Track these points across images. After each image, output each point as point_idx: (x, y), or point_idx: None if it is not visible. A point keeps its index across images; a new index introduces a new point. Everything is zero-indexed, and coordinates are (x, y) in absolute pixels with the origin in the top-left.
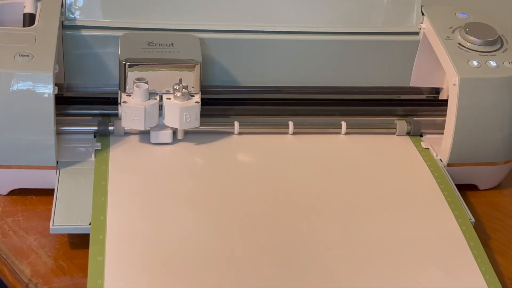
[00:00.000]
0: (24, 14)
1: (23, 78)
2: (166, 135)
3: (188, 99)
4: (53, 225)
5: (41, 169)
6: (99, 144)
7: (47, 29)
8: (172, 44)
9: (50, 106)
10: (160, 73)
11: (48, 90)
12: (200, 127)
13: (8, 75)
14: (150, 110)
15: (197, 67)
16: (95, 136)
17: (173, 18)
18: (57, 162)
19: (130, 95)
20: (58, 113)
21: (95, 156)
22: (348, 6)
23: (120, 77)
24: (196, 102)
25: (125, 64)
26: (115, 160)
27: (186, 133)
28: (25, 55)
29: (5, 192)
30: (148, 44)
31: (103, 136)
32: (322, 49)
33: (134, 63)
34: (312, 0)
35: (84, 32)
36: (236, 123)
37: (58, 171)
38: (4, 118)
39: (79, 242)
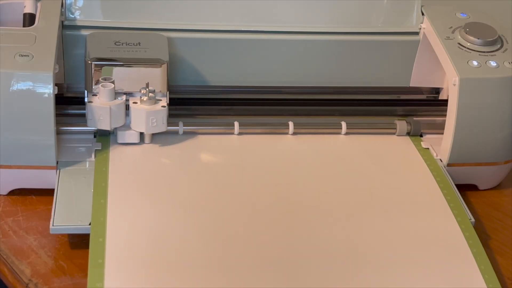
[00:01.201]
0: (24, 14)
1: (23, 78)
2: (133, 135)
3: (155, 103)
4: (53, 225)
5: (41, 169)
6: (99, 144)
7: (47, 29)
8: (139, 43)
9: (50, 106)
10: (126, 72)
11: (48, 90)
12: (201, 128)
13: (8, 75)
14: (116, 110)
15: (164, 66)
16: (95, 136)
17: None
18: (57, 162)
19: (96, 95)
20: (58, 113)
21: (95, 156)
22: (348, 6)
23: (86, 76)
24: (162, 106)
25: (91, 64)
26: (115, 161)
27: (186, 133)
28: (25, 55)
29: (5, 192)
30: (115, 43)
31: (103, 136)
32: (322, 49)
33: (100, 63)
34: (312, 0)
35: (84, 32)
36: (236, 123)
37: (58, 171)
38: (4, 118)
39: (79, 242)
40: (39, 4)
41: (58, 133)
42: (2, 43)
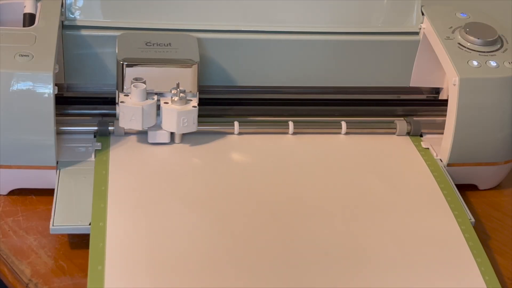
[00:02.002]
0: (24, 14)
1: (23, 78)
2: (164, 135)
3: (186, 103)
4: (53, 225)
5: (41, 169)
6: (99, 144)
7: (47, 29)
8: (169, 44)
9: (50, 106)
10: (158, 73)
11: (48, 90)
12: (200, 128)
13: (8, 75)
14: (147, 110)
15: (194, 67)
16: (95, 136)
17: (171, 18)
18: (57, 162)
19: (127, 95)
20: (58, 113)
21: (95, 156)
22: (348, 6)
23: (117, 77)
24: (193, 106)
25: (122, 64)
26: (115, 161)
27: (186, 133)
28: (25, 55)
29: (5, 192)
30: (146, 44)
31: (103, 136)
32: (322, 49)
33: (132, 63)
34: (312, 0)
35: (84, 32)
36: (236, 123)
37: (58, 171)
38: (4, 118)
39: (79, 242)
40: (39, 4)
41: (58, 133)
42: (2, 43)
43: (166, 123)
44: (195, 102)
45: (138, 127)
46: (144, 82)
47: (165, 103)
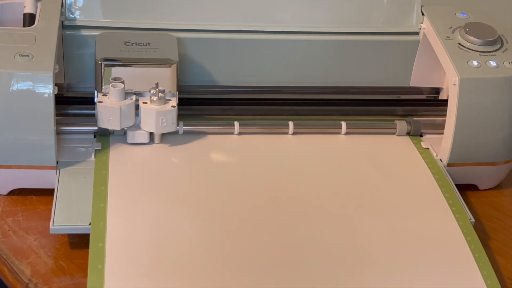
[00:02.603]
0: (24, 14)
1: (23, 78)
2: (143, 135)
3: (165, 103)
4: (53, 225)
5: (41, 169)
6: (99, 144)
7: (47, 29)
8: (149, 43)
9: (50, 106)
10: (136, 72)
11: (48, 90)
12: (201, 128)
13: (8, 75)
14: (126, 110)
15: (174, 66)
16: (95, 136)
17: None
18: (57, 162)
19: (106, 95)
20: (58, 113)
21: (95, 156)
22: (348, 6)
23: (96, 76)
24: (172, 106)
25: (101, 64)
26: (115, 161)
27: (186, 133)
28: (25, 55)
29: (5, 192)
30: (125, 43)
31: (103, 136)
32: (322, 49)
33: (110, 63)
34: (312, 0)
35: (84, 32)
36: (236, 123)
37: (58, 171)
38: (4, 118)
39: (79, 242)
40: (39, 4)
41: (58, 133)
42: (2, 43)
43: (145, 123)
44: (174, 102)
45: (116, 127)
46: (123, 82)
47: (144, 103)
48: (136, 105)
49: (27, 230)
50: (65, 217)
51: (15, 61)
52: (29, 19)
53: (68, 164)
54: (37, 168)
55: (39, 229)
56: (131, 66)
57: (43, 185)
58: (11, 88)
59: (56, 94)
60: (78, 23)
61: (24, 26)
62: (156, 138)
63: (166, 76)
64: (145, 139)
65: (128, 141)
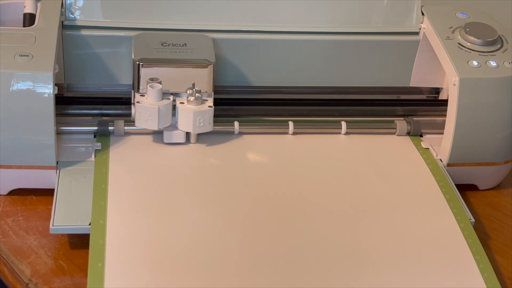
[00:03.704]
0: (24, 14)
1: (23, 78)
2: (180, 135)
3: (201, 103)
4: (53, 225)
5: (41, 169)
6: (99, 144)
7: (47, 29)
8: (185, 44)
9: (50, 106)
10: (173, 73)
11: (48, 90)
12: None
13: (8, 75)
14: (164, 110)
15: (210, 67)
16: (95, 136)
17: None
18: (57, 162)
19: (143, 95)
20: (58, 113)
21: (95, 156)
22: (348, 6)
23: (133, 77)
24: (209, 106)
25: (139, 64)
26: (115, 161)
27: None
28: (25, 55)
29: (5, 192)
30: (162, 44)
31: (103, 136)
32: (322, 49)
33: (148, 63)
34: (312, 0)
35: (84, 32)
36: (236, 123)
37: (58, 171)
38: (4, 118)
39: (79, 242)
40: (39, 4)
41: (58, 133)
42: (2, 43)
43: (182, 123)
44: (210, 102)
45: (154, 127)
46: (160, 82)
47: (181, 103)
48: (173, 105)
49: (27, 230)
50: (65, 217)
51: (15, 61)
52: (29, 19)
53: (68, 164)
54: (37, 168)
55: (39, 229)
56: (168, 67)
57: (43, 185)
58: (11, 88)
59: (56, 94)
60: (78, 23)
61: (24, 26)
62: (192, 138)
63: (202, 77)
64: (182, 139)
65: (165, 141)
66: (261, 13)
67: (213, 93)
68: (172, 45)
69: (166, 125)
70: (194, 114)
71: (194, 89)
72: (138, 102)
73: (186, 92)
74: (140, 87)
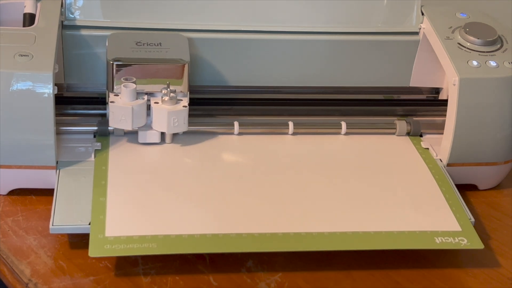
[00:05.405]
0: (24, 14)
1: (23, 78)
2: (154, 135)
3: (176, 103)
4: (53, 225)
5: (41, 169)
6: (99, 144)
7: (47, 29)
8: (160, 43)
9: (50, 106)
10: (148, 72)
11: (48, 90)
12: (201, 127)
13: (8, 75)
14: (138, 110)
15: (185, 66)
16: (95, 136)
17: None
18: (57, 162)
19: (117, 95)
20: (58, 113)
21: (95, 156)
22: (348, 6)
23: (108, 76)
24: (184, 106)
25: (112, 64)
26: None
27: (187, 132)
28: (25, 55)
29: (5, 192)
30: (136, 43)
31: (103, 136)
32: (322, 49)
33: (122, 63)
34: (312, 0)
35: (84, 32)
36: (236, 123)
37: (58, 171)
38: (4, 118)
39: (79, 242)
40: (39, 4)
41: (58, 133)
42: (2, 43)
43: (156, 123)
44: (185, 101)
45: (128, 127)
46: (134, 82)
47: (155, 103)
48: (147, 105)
49: (27, 230)
50: (65, 217)
51: (15, 61)
52: (29, 19)
53: (68, 164)
54: (37, 168)
55: (39, 229)
56: (142, 66)
57: (43, 185)
58: (11, 88)
59: (56, 94)
60: (78, 23)
61: (24, 26)
62: (167, 138)
63: (177, 76)
64: (157, 139)
65: (140, 141)
66: (261, 13)
67: (188, 92)
68: (147, 45)
69: (140, 125)
70: (168, 114)
71: (168, 89)
72: (112, 102)
73: (161, 92)
74: (114, 87)
